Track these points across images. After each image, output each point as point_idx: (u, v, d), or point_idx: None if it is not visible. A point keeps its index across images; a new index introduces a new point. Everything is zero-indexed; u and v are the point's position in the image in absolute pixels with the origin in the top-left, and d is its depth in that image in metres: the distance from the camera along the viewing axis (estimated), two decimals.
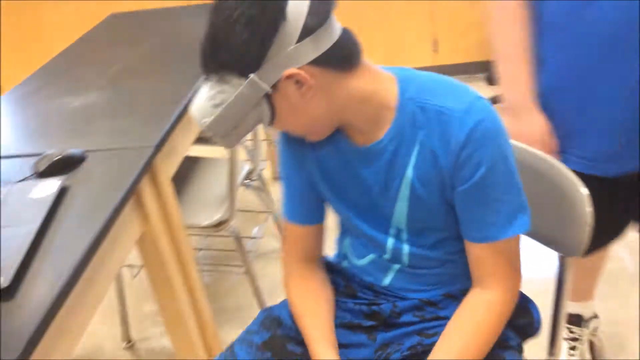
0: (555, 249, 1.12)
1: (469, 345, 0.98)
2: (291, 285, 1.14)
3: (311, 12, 0.85)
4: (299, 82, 0.88)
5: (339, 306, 1.15)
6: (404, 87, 0.95)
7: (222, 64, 0.87)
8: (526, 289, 1.11)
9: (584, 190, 1.03)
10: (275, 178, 2.81)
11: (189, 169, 2.07)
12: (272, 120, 0.93)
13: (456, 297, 1.07)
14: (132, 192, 1.32)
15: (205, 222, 1.83)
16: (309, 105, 0.92)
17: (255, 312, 1.33)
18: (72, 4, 3.51)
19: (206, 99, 0.89)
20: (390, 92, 0.95)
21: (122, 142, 1.48)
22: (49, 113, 1.71)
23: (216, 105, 0.88)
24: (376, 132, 0.97)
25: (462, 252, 1.03)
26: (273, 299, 2.10)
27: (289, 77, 0.87)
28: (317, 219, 1.14)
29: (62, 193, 1.27)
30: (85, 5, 3.45)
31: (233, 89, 0.88)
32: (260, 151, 2.02)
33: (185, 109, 1.63)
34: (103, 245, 1.18)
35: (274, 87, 0.88)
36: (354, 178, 1.03)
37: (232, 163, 1.73)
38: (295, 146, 1.08)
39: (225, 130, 0.91)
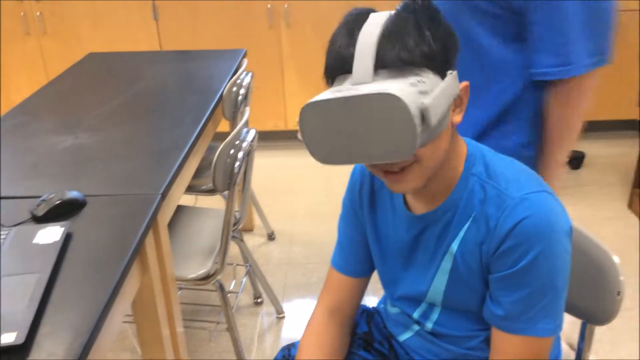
0: (585, 319, 1.12)
1: None
2: (307, 331, 1.14)
3: None
4: (458, 100, 0.89)
5: (349, 357, 1.16)
6: (471, 160, 0.95)
7: (427, 55, 0.83)
8: None
9: (616, 259, 1.05)
10: (247, 230, 2.75)
11: (173, 218, 1.99)
12: (437, 134, 0.86)
13: None
14: (139, 247, 1.25)
15: (191, 275, 1.75)
16: (447, 136, 0.89)
17: None
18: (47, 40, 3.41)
19: (406, 85, 0.80)
20: (460, 162, 0.95)
21: (122, 188, 1.42)
22: (40, 152, 1.62)
23: (422, 93, 0.81)
24: (435, 200, 0.97)
25: (487, 339, 1.01)
26: (248, 354, 2.02)
27: (463, 88, 0.89)
28: (362, 273, 1.14)
29: (66, 240, 1.19)
30: (51, 43, 3.36)
31: (433, 83, 0.83)
32: (248, 202, 1.97)
33: (186, 156, 1.58)
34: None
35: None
36: (402, 244, 1.03)
37: (228, 212, 1.68)
38: (356, 200, 1.09)
39: (437, 119, 0.82)
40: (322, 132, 0.83)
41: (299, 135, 0.87)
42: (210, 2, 3.20)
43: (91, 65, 2.41)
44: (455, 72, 0.87)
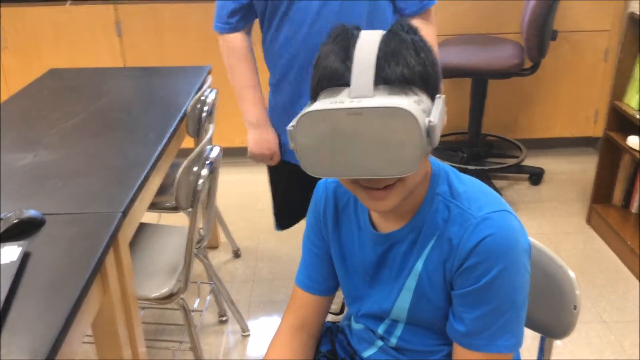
0: (544, 333, 1.15)
1: None
2: (271, 349, 1.14)
3: None
4: None
5: None
6: (436, 180, 0.97)
7: (422, 76, 0.85)
8: None
9: (571, 274, 1.08)
10: (212, 247, 2.73)
11: (135, 235, 1.96)
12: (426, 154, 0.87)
13: None
14: (99, 267, 1.23)
15: (154, 295, 1.72)
16: (426, 159, 0.92)
17: None
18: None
19: (411, 102, 0.81)
20: (426, 182, 0.97)
21: (82, 206, 1.39)
22: None
23: (424, 111, 0.83)
24: (401, 219, 0.98)
25: (450, 354, 1.02)
26: None
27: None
28: (326, 291, 1.15)
29: (24, 260, 1.16)
30: (11, 58, 3.30)
31: (428, 104, 0.85)
32: (212, 219, 1.96)
33: (148, 173, 1.56)
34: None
35: None
36: (367, 263, 1.04)
37: (191, 230, 1.66)
38: (320, 218, 1.09)
39: (437, 138, 0.83)
40: (320, 144, 0.83)
41: (291, 145, 0.86)
42: (175, 18, 3.19)
43: (52, 81, 2.38)
44: (444, 97, 0.89)
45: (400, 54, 0.84)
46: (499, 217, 0.92)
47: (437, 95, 0.88)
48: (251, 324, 2.24)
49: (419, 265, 0.98)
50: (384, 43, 0.85)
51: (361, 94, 0.82)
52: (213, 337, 2.19)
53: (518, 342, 0.95)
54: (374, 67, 0.83)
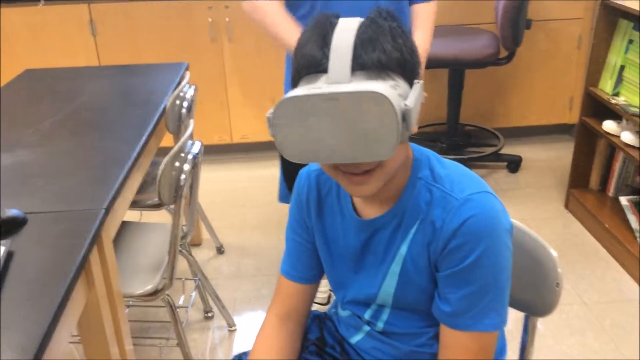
0: (527, 311, 1.17)
1: None
2: (258, 339, 1.15)
3: None
4: None
5: None
6: (417, 165, 0.98)
7: (400, 62, 0.86)
8: None
9: (554, 253, 1.10)
10: (195, 244, 2.72)
11: (118, 234, 1.95)
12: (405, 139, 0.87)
13: None
14: (84, 263, 1.22)
15: (139, 291, 1.72)
16: (406, 143, 0.93)
17: None
18: None
19: (386, 86, 0.82)
20: (408, 167, 0.98)
21: (64, 204, 1.38)
22: None
23: (400, 95, 0.83)
24: (384, 205, 0.99)
25: (435, 335, 1.04)
26: None
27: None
28: (311, 279, 1.15)
29: (7, 260, 1.15)
30: None
31: (405, 89, 0.86)
32: (195, 215, 1.95)
33: (129, 170, 1.56)
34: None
35: None
36: (351, 249, 1.05)
37: (175, 227, 1.66)
38: (303, 207, 1.10)
39: (413, 122, 0.84)
40: (298, 130, 0.83)
41: (270, 132, 0.86)
42: (149, 17, 3.16)
43: (28, 81, 2.35)
44: (422, 82, 0.90)
45: (376, 41, 0.85)
46: (480, 198, 0.94)
47: (416, 81, 0.89)
48: (237, 319, 2.24)
49: (404, 249, 0.99)
50: (362, 30, 0.86)
51: (338, 79, 0.83)
52: (199, 333, 2.19)
53: (503, 321, 0.97)
54: (350, 53, 0.84)
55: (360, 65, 0.84)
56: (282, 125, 0.84)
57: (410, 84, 0.89)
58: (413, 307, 1.04)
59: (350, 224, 1.05)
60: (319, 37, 0.87)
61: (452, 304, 0.96)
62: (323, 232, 1.10)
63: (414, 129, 0.92)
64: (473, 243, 0.92)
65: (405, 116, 0.82)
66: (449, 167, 1.00)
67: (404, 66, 0.87)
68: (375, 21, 0.88)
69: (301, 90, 0.83)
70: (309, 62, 0.86)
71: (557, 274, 1.09)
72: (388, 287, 1.03)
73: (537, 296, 1.13)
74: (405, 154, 0.94)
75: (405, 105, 0.82)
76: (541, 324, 2.12)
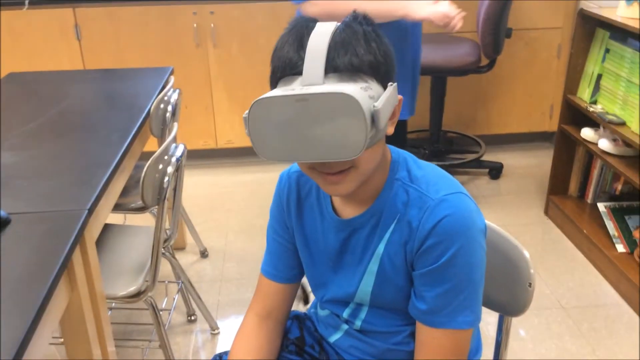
0: (502, 311, 1.20)
1: None
2: (237, 337, 1.17)
3: None
4: (392, 113, 0.94)
5: None
6: (395, 166, 1.01)
7: (373, 65, 0.89)
8: None
9: (526, 254, 1.13)
10: (179, 248, 2.73)
11: (99, 236, 1.96)
12: (377, 140, 0.91)
13: None
14: (66, 263, 1.23)
15: (122, 293, 1.73)
16: (382, 144, 0.95)
17: None
18: None
19: (356, 88, 0.85)
20: (386, 169, 1.01)
21: (47, 205, 1.40)
22: None
23: (371, 97, 0.86)
24: (362, 205, 1.02)
25: (412, 334, 1.07)
26: None
27: (400, 101, 0.95)
28: (291, 279, 1.17)
29: None
30: None
31: (378, 91, 0.89)
32: (178, 218, 1.97)
33: (113, 172, 1.57)
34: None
35: None
36: (331, 249, 1.07)
37: (158, 228, 1.67)
38: (284, 208, 1.12)
39: (383, 123, 0.87)
40: (271, 130, 0.86)
41: (246, 131, 0.89)
42: (134, 22, 3.18)
43: (12, 85, 2.35)
44: (395, 85, 0.93)
45: (349, 44, 0.88)
46: (455, 199, 0.96)
47: (390, 83, 0.92)
48: (220, 322, 2.25)
49: (381, 248, 1.02)
50: (336, 34, 0.89)
51: (312, 81, 0.86)
52: (182, 336, 2.20)
53: (477, 318, 1.00)
54: (324, 56, 0.86)
55: (333, 67, 0.87)
56: (257, 125, 0.87)
57: (384, 86, 0.92)
58: (390, 305, 1.06)
59: (330, 224, 1.07)
60: (295, 40, 0.90)
61: (428, 301, 0.99)
62: (303, 232, 1.12)
63: (390, 130, 0.95)
64: (447, 242, 0.95)
65: (374, 117, 0.85)
66: (425, 169, 1.02)
67: (377, 69, 0.90)
68: (350, 25, 0.91)
69: (275, 92, 0.86)
70: (285, 65, 0.89)
71: (529, 275, 1.12)
72: (366, 286, 1.05)
73: (511, 296, 1.16)
74: (380, 155, 0.97)
75: (374, 106, 0.85)
76: (521, 327, 2.16)
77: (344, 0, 1.76)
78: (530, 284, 1.11)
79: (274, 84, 0.92)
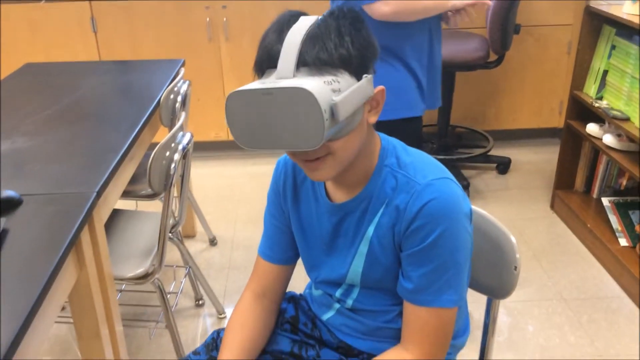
0: (489, 294, 1.24)
1: None
2: (234, 313, 1.22)
3: None
4: (374, 102, 0.98)
5: (274, 337, 1.25)
6: (384, 153, 1.06)
7: (344, 58, 0.92)
8: None
9: (513, 239, 1.17)
10: (190, 236, 2.80)
11: (109, 220, 2.03)
12: (348, 130, 0.95)
13: None
14: (74, 241, 1.30)
15: (130, 274, 1.79)
16: (361, 133, 0.99)
17: None
18: None
19: (320, 83, 0.89)
20: (375, 156, 1.06)
21: (58, 187, 1.46)
22: None
23: (335, 91, 0.90)
24: (353, 190, 1.07)
25: (401, 313, 1.10)
26: None
27: (378, 92, 0.99)
28: (287, 260, 1.23)
29: (1, 237, 1.23)
30: None
31: (347, 83, 0.92)
32: (185, 205, 2.03)
33: (122, 158, 1.63)
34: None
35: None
36: (324, 232, 1.13)
37: (164, 214, 1.74)
38: (280, 193, 1.19)
39: (346, 115, 0.91)
40: (245, 119, 0.93)
41: (226, 120, 0.96)
42: (149, 15, 3.25)
43: (28, 75, 2.43)
44: (371, 77, 0.97)
45: (319, 39, 0.93)
46: (440, 184, 1.01)
47: (364, 76, 0.96)
48: (227, 308, 2.31)
49: (370, 230, 1.07)
50: (311, 28, 0.94)
51: (284, 75, 0.91)
52: (189, 319, 2.26)
53: (460, 298, 1.05)
54: (296, 50, 0.91)
55: (303, 62, 0.92)
56: (233, 115, 0.94)
57: (359, 79, 0.96)
58: (380, 285, 1.11)
59: (323, 208, 1.12)
60: (275, 33, 0.95)
61: (414, 280, 1.03)
62: (298, 216, 1.17)
63: (372, 119, 1.00)
64: (433, 224, 0.99)
65: (333, 111, 0.89)
66: (413, 155, 1.07)
67: (348, 62, 0.93)
68: (326, 19, 0.95)
69: (251, 85, 0.92)
70: (266, 57, 0.95)
71: (515, 259, 1.16)
72: (356, 267, 1.10)
73: (497, 280, 1.20)
74: (359, 143, 1.00)
75: (333, 100, 0.89)
76: (521, 318, 2.20)
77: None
78: (515, 267, 1.15)
79: (259, 75, 0.98)
